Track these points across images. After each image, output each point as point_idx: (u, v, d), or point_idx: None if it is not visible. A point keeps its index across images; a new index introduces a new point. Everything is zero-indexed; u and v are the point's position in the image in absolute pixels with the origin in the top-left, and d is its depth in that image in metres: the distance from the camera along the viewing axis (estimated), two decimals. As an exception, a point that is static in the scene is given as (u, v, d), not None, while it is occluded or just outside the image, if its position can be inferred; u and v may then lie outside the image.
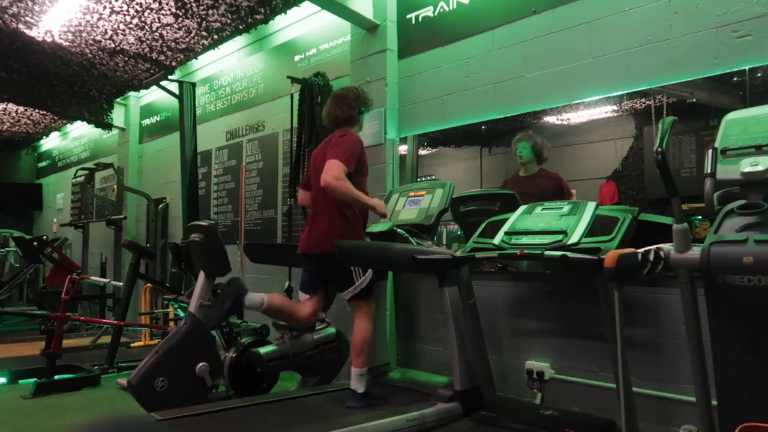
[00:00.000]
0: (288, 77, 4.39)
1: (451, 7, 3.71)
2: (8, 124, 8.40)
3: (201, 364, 3.18)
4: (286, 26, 5.08)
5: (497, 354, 3.11)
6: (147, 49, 5.13)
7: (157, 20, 4.58)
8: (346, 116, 3.01)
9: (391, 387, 3.21)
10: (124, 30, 4.75)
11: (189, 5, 4.32)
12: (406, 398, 2.94)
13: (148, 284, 5.74)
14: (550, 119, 5.98)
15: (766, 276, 1.64)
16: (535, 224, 2.37)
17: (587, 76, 3.07)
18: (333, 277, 3.02)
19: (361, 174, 2.97)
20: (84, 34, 4.86)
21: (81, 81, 6.13)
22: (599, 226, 2.26)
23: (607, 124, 5.90)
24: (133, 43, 5.01)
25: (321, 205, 2.97)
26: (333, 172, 2.74)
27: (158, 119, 7.01)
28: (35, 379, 4.01)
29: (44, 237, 7.13)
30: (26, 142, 10.04)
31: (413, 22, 3.93)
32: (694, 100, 4.39)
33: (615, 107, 5.54)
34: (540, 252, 2.17)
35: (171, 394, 3.01)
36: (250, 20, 4.53)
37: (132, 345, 5.69)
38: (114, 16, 4.52)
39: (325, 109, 3.11)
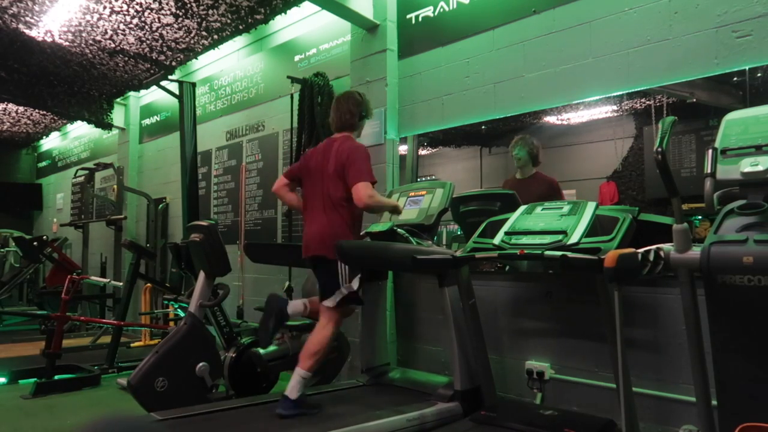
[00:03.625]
0: (288, 77, 4.40)
1: (451, 7, 3.71)
2: (8, 124, 8.41)
3: (201, 364, 3.18)
4: (286, 26, 5.08)
5: (497, 354, 3.11)
6: (147, 49, 5.13)
7: (157, 20, 4.58)
8: (348, 123, 3.06)
9: (391, 387, 3.22)
10: (124, 30, 4.75)
11: (189, 5, 4.32)
12: (406, 398, 2.93)
13: (148, 284, 5.75)
14: (550, 119, 5.99)
15: (766, 276, 1.64)
16: (535, 224, 2.37)
17: (587, 76, 3.07)
18: (321, 279, 2.99)
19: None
20: (84, 34, 4.86)
21: (81, 81, 6.13)
22: (599, 226, 2.26)
23: (607, 124, 5.91)
24: (133, 43, 5.01)
25: (318, 204, 2.97)
26: (367, 192, 2.79)
27: (158, 119, 7.01)
28: (35, 379, 4.02)
29: (44, 237, 7.11)
30: (26, 142, 10.05)
31: (413, 22, 3.93)
32: (694, 100, 4.40)
33: (615, 107, 5.55)
34: (540, 252, 2.17)
35: (171, 394, 3.01)
36: (250, 20, 4.53)
37: (132, 345, 5.69)
38: (114, 16, 4.52)
39: (330, 115, 3.16)
